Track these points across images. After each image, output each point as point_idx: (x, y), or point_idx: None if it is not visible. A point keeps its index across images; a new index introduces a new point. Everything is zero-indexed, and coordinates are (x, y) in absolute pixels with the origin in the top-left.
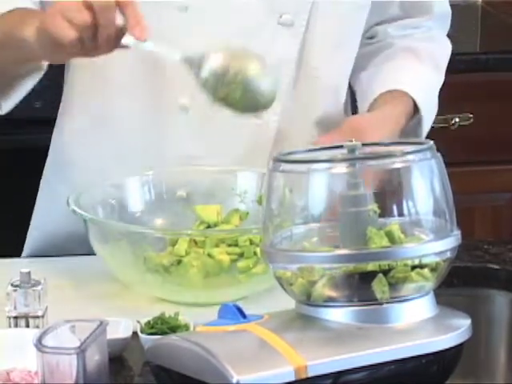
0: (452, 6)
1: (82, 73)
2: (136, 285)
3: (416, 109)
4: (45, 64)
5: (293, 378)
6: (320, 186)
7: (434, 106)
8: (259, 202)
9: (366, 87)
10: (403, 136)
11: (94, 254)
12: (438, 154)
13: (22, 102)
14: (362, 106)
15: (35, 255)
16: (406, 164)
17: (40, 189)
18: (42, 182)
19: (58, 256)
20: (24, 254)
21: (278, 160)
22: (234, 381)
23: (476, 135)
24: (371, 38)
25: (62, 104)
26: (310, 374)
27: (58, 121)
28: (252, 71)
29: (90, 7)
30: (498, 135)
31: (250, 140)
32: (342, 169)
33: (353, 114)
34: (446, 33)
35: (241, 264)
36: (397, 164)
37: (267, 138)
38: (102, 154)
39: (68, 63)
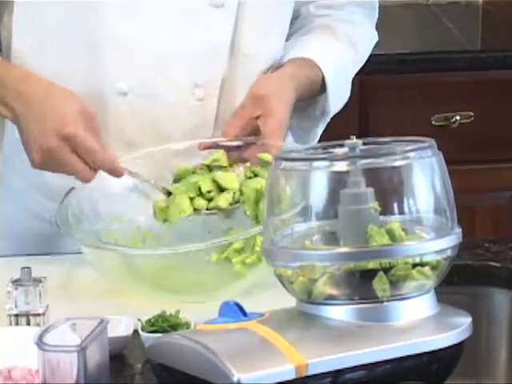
0: (453, 4)
1: (17, 60)
2: (131, 290)
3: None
4: None
5: (293, 376)
6: (321, 183)
7: (345, 84)
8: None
9: (279, 58)
10: (307, 107)
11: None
12: (439, 152)
13: None
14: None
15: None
16: (406, 162)
17: None
18: None
19: (61, 253)
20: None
21: (279, 158)
22: (235, 379)
23: (477, 133)
24: (295, 18)
25: None
26: (311, 371)
27: None
28: None
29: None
30: (498, 133)
31: (191, 122)
32: (342, 167)
33: None
34: (374, 24)
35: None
36: (397, 162)
37: (207, 121)
38: None
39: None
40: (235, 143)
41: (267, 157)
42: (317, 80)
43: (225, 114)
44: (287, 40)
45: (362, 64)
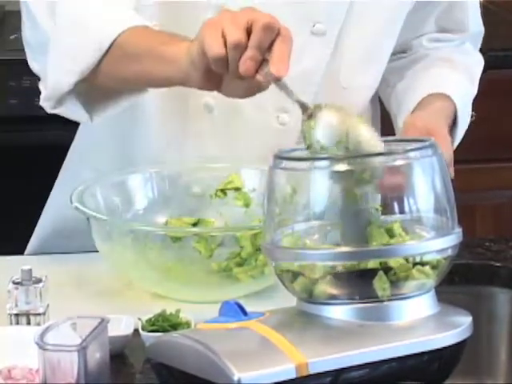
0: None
1: None
2: (137, 281)
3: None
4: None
5: (294, 376)
6: (321, 183)
7: (468, 118)
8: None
9: (403, 96)
10: None
11: (96, 251)
12: (440, 152)
13: (22, 99)
14: (400, 116)
15: (40, 251)
16: (407, 161)
17: (60, 175)
18: (63, 168)
19: (62, 253)
20: (28, 249)
21: (280, 157)
22: (235, 378)
23: (478, 133)
24: (404, 52)
25: None
26: (311, 371)
27: None
28: (363, 136)
29: (249, 27)
30: (499, 133)
31: (272, 143)
32: (343, 166)
33: (382, 129)
34: (478, 50)
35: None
36: (398, 161)
37: (289, 143)
38: (126, 145)
39: None
40: None
41: None
42: (452, 115)
43: None
44: (403, 74)
45: (476, 93)
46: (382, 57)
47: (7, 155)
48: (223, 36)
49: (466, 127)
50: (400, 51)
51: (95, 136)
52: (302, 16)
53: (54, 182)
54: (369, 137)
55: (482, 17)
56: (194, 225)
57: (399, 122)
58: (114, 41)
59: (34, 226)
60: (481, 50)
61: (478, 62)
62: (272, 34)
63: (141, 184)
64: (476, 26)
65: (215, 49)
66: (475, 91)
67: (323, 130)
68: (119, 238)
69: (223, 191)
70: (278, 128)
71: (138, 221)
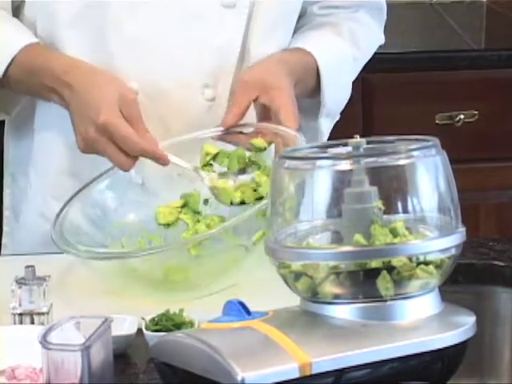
0: (457, 3)
1: None
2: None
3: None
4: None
5: (297, 375)
6: (325, 182)
7: (344, 76)
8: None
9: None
10: (308, 105)
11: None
12: (443, 151)
13: None
14: None
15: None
16: (410, 161)
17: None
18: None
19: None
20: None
21: (283, 157)
22: (239, 378)
23: (481, 132)
24: (299, 18)
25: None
26: (315, 370)
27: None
28: None
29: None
30: (502, 132)
31: (200, 122)
32: (346, 166)
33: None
34: (382, 27)
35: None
36: (402, 161)
37: (217, 121)
38: (62, 144)
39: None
40: (247, 130)
41: (260, 143)
42: (311, 68)
43: None
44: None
45: (365, 61)
46: (291, 20)
47: None
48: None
49: (343, 91)
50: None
51: (45, 137)
52: None
53: None
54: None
55: (486, 17)
56: (183, 206)
57: None
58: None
59: None
60: (484, 50)
61: (369, 32)
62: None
63: (113, 187)
64: None
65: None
66: (362, 58)
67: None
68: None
69: (207, 165)
70: (205, 104)
71: (129, 223)
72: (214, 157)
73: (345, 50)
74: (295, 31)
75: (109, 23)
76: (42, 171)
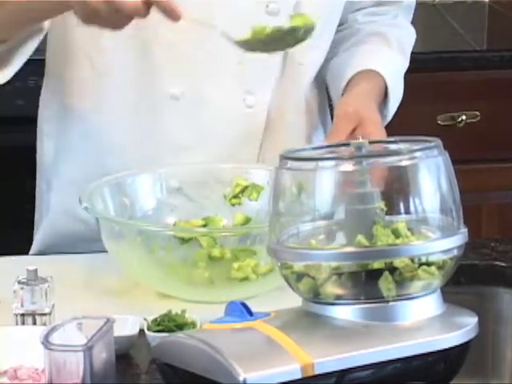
0: (459, 4)
1: (66, 63)
2: (144, 280)
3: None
4: (46, 24)
5: (299, 376)
6: (327, 183)
7: (400, 91)
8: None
9: (337, 72)
10: None
11: (100, 252)
12: (445, 152)
13: (29, 100)
14: (334, 90)
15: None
16: (412, 162)
17: (38, 186)
18: (38, 179)
19: (68, 253)
20: (32, 251)
21: (285, 157)
22: (241, 378)
23: (483, 133)
24: (340, 25)
25: (43, 96)
26: (317, 371)
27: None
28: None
29: None
30: (504, 132)
31: (240, 129)
32: (348, 166)
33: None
34: (410, 19)
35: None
36: (404, 162)
37: (257, 128)
38: (98, 146)
39: (52, 53)
40: None
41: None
42: (383, 89)
43: (274, 121)
44: (337, 49)
45: (407, 65)
46: (331, 31)
47: (15, 155)
48: None
49: (398, 101)
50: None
51: (69, 140)
52: None
53: None
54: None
55: (488, 17)
56: (203, 227)
57: (334, 102)
58: None
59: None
60: (486, 50)
61: (410, 34)
62: None
63: (150, 184)
64: None
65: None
66: (407, 64)
67: None
68: (128, 237)
69: (236, 197)
70: (246, 111)
71: (147, 221)
72: (244, 189)
73: (400, 64)
74: (342, 40)
75: (149, 26)
76: (68, 175)
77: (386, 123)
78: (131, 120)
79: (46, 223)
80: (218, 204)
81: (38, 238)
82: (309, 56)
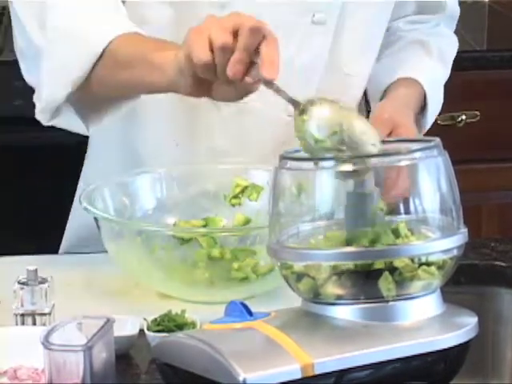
0: (459, 3)
1: None
2: (143, 280)
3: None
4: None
5: (299, 376)
6: (327, 183)
7: (440, 100)
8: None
9: (376, 78)
10: None
11: (101, 252)
12: (445, 152)
13: (28, 100)
14: (372, 96)
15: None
16: (412, 162)
17: (80, 183)
18: (81, 179)
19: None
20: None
21: (285, 157)
22: (241, 378)
23: (482, 133)
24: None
25: None
26: (317, 371)
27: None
28: (358, 127)
29: (235, 31)
30: (504, 133)
31: (280, 137)
32: (348, 166)
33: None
34: (453, 32)
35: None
36: (403, 162)
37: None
38: (136, 146)
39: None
40: None
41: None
42: (421, 96)
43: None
44: (379, 55)
45: (448, 74)
46: (377, 41)
47: (14, 156)
48: (209, 42)
49: (438, 110)
50: None
51: (106, 141)
52: (302, 7)
53: (60, 182)
54: (364, 128)
55: (488, 17)
56: (203, 227)
57: (372, 107)
58: (106, 48)
59: (39, 227)
60: (486, 50)
61: (452, 44)
62: (259, 37)
63: (150, 184)
64: (452, 6)
65: (201, 55)
66: (448, 73)
67: (316, 121)
68: (128, 237)
69: (236, 197)
70: (287, 120)
71: (147, 221)
72: (244, 190)
73: (440, 71)
74: (383, 48)
75: None
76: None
77: (424, 131)
78: (170, 122)
79: (75, 220)
80: (218, 204)
81: (68, 235)
82: (357, 66)
